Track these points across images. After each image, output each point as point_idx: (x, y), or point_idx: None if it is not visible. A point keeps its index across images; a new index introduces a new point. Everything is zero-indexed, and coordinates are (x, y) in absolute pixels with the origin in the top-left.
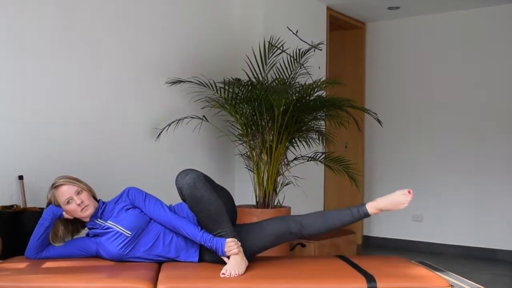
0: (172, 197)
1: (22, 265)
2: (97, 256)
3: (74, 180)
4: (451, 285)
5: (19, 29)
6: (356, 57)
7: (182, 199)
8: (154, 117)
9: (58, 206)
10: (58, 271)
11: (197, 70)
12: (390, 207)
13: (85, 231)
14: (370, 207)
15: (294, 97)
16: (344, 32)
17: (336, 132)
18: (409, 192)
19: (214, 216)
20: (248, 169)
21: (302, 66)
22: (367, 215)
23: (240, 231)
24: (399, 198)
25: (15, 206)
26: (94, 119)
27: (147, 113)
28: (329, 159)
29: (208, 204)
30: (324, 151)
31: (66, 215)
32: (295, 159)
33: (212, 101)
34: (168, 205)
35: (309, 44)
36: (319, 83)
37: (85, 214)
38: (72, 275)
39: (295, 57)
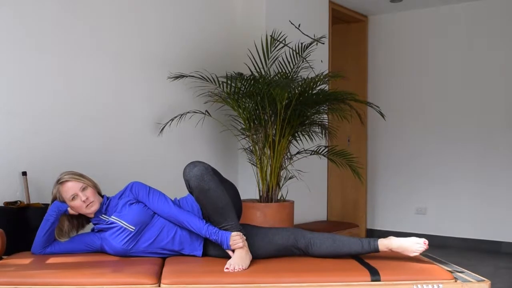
0: (176, 191)
1: (27, 260)
2: (102, 251)
3: (79, 176)
4: (455, 278)
5: (29, 27)
6: (358, 51)
7: (189, 191)
8: (157, 112)
9: (63, 202)
10: (62, 267)
11: (200, 65)
12: (401, 250)
13: (90, 226)
14: (382, 244)
15: (296, 91)
16: (347, 25)
17: (339, 126)
18: (424, 243)
19: (221, 209)
20: (251, 164)
21: (304, 60)
22: (376, 250)
23: (246, 233)
24: (412, 245)
25: (19, 202)
26: (98, 115)
27: (150, 108)
28: (332, 152)
29: (215, 196)
30: (327, 145)
31: (71, 211)
32: (298, 153)
33: (214, 96)
34: (172, 199)
35: (312, 38)
36: (321, 77)
37: (90, 210)
38: (76, 271)
39: (297, 51)
